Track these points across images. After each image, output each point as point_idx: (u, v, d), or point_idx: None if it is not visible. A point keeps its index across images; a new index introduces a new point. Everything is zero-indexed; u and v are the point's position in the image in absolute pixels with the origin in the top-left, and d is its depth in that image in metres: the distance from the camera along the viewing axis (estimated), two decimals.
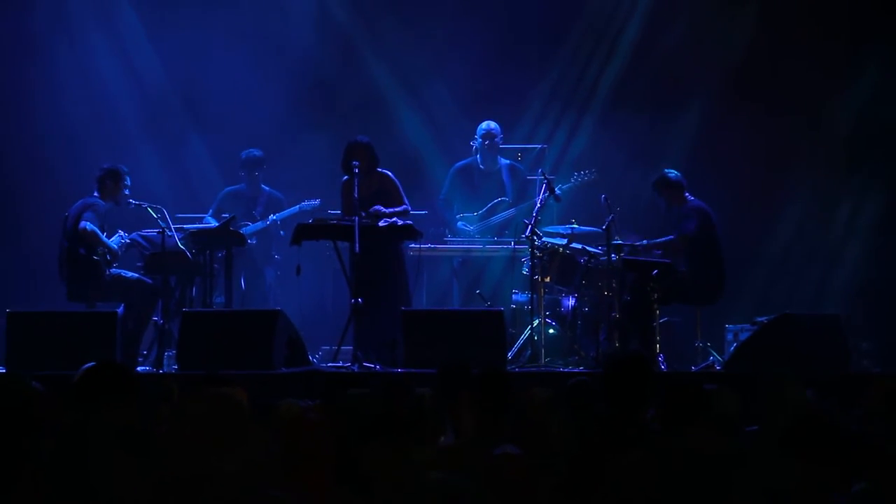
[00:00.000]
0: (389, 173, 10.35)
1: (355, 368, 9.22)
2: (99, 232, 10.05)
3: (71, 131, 12.44)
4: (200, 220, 11.27)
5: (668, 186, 10.47)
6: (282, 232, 11.55)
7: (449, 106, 12.60)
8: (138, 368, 9.67)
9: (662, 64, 12.53)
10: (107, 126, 12.60)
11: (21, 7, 12.51)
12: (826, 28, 12.20)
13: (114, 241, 10.21)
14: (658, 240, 10.42)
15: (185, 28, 12.39)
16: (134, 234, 10.39)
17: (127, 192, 10.31)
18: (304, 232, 9.95)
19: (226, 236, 10.40)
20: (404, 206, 10.24)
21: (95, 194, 10.26)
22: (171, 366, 9.55)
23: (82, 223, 10.02)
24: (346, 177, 10.26)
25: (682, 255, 10.32)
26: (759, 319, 10.42)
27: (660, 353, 9.91)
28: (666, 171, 10.56)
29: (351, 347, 9.57)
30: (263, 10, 12.67)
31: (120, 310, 9.92)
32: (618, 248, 10.16)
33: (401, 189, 10.33)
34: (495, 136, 11.21)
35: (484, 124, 11.26)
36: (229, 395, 4.36)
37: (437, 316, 9.78)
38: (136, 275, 10.23)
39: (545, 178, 10.49)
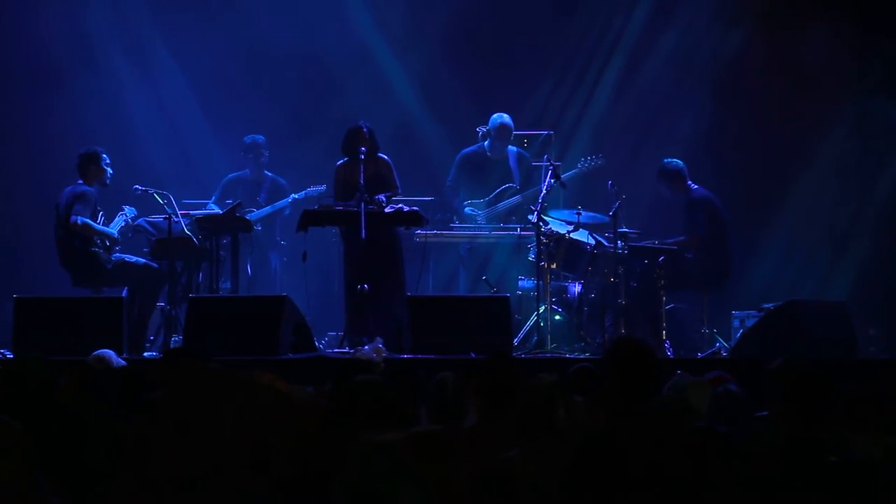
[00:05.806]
0: (386, 157, 10.34)
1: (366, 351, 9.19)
2: (91, 223, 9.97)
3: (74, 111, 12.41)
4: (203, 207, 11.26)
5: (668, 177, 10.48)
6: (286, 211, 11.51)
7: (456, 92, 12.55)
8: (145, 354, 9.69)
9: (670, 50, 12.50)
10: (109, 107, 12.58)
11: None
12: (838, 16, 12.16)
13: (114, 224, 10.17)
14: (669, 240, 10.39)
15: (192, 15, 12.38)
16: (140, 219, 10.38)
17: (110, 171, 10.20)
18: (310, 218, 9.94)
19: (232, 222, 10.39)
20: (396, 189, 10.24)
21: (80, 181, 10.15)
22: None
23: (73, 217, 9.91)
24: (341, 160, 10.25)
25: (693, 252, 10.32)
26: (766, 306, 10.39)
27: (666, 339, 9.91)
28: (665, 161, 10.56)
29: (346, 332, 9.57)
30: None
31: (124, 292, 9.93)
32: (624, 235, 10.15)
33: (395, 173, 10.32)
34: (510, 131, 11.13)
35: (497, 117, 11.11)
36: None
37: (444, 302, 9.74)
38: (143, 259, 10.21)
39: (551, 165, 10.46)
